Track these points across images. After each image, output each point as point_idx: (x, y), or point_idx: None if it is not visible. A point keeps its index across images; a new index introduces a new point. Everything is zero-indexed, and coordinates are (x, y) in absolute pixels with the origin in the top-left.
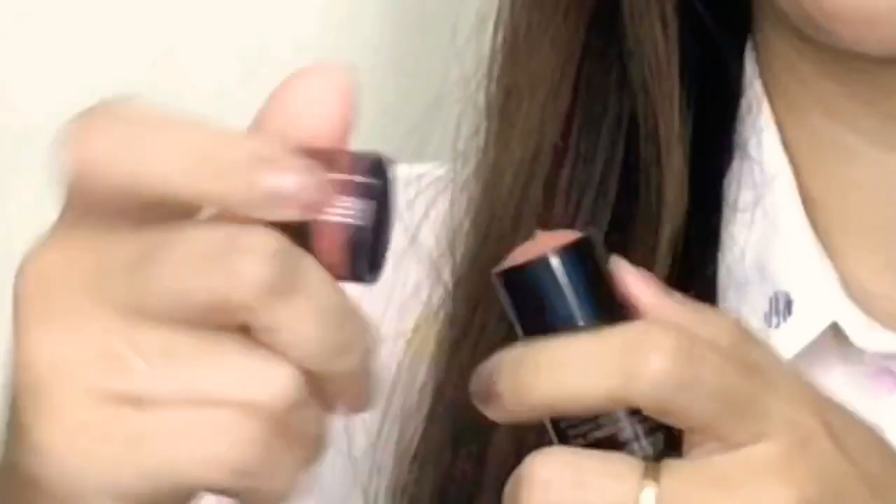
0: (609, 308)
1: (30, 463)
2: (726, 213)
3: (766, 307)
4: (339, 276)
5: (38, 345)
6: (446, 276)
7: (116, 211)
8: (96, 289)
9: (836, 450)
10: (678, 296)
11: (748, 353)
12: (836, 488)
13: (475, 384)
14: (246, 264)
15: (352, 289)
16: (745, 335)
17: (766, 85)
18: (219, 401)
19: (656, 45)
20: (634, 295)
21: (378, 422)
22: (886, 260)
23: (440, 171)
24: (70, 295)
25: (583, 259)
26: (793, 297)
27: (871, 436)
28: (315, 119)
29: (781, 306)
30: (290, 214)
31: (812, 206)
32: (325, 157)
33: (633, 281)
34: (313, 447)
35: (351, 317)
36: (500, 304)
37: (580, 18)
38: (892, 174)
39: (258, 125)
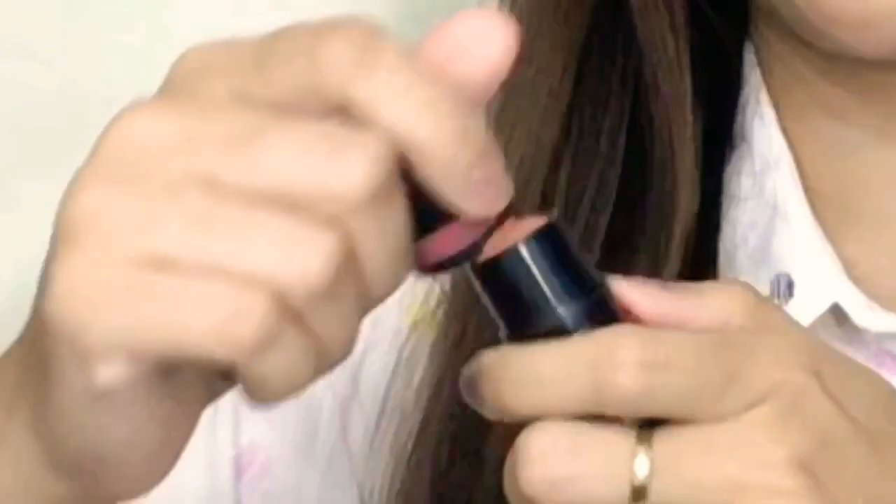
0: (583, 290)
1: (45, 310)
2: (726, 201)
3: (767, 290)
4: (426, 258)
5: (86, 193)
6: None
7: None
8: (179, 152)
9: (832, 406)
10: (678, 286)
11: (756, 319)
12: (832, 444)
13: (463, 384)
14: (356, 164)
15: None
16: (753, 302)
17: (764, 77)
18: (239, 276)
19: (666, 42)
20: (629, 303)
21: (375, 419)
22: (887, 245)
23: None
24: (146, 155)
25: (552, 245)
26: (794, 278)
27: (875, 392)
28: (474, 59)
29: (783, 288)
30: (477, 209)
31: (812, 195)
32: None
33: (625, 290)
34: (328, 349)
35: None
36: None
37: (581, 18)
38: (892, 166)
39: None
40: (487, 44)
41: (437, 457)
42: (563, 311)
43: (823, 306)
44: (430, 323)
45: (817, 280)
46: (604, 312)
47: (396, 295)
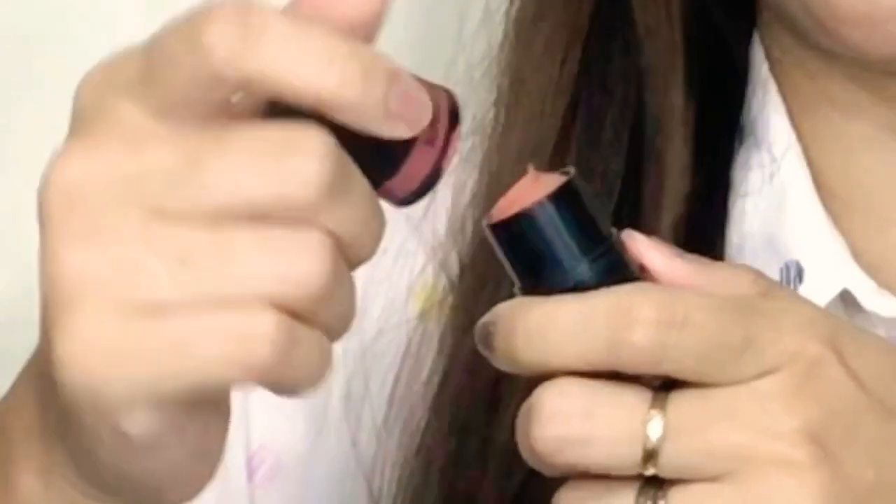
0: (600, 249)
1: (58, 377)
2: (734, 195)
3: (777, 278)
4: (397, 197)
5: (62, 258)
6: (451, 262)
7: (197, 105)
8: (125, 194)
9: (847, 378)
10: (691, 257)
11: (767, 297)
12: (845, 416)
13: (477, 333)
14: (304, 163)
15: (356, 277)
16: (764, 283)
17: (772, 67)
18: (238, 299)
19: (660, 26)
20: (646, 261)
21: (384, 411)
22: (894, 238)
23: None
24: (96, 204)
25: (570, 204)
26: (804, 265)
27: (894, 366)
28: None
29: (793, 275)
30: (404, 133)
31: (820, 188)
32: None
33: (644, 248)
34: (341, 324)
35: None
36: (506, 291)
37: (584, 7)
38: None
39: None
40: None
41: (446, 447)
42: (580, 268)
43: (833, 292)
44: (437, 314)
45: (827, 266)
46: (620, 271)
47: (404, 283)
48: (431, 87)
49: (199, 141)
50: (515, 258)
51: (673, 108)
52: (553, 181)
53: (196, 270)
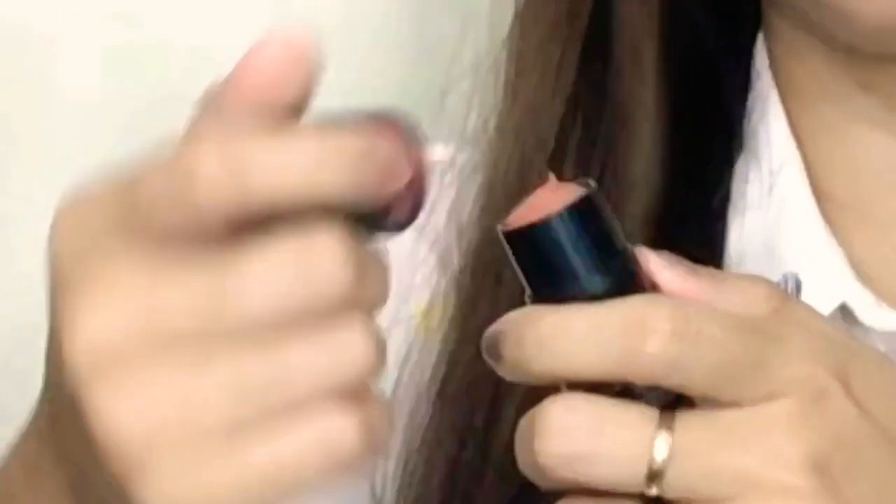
0: (613, 262)
1: None
2: (734, 202)
3: None
4: (394, 231)
5: (118, 420)
6: (455, 256)
7: (197, 233)
8: (157, 339)
9: (854, 407)
10: (705, 271)
11: (781, 314)
12: (851, 445)
13: (484, 342)
14: (326, 265)
15: None
16: (778, 298)
17: (775, 76)
18: (310, 407)
19: (634, 19)
20: (658, 280)
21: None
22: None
23: (446, 155)
24: (130, 357)
25: (589, 217)
26: (802, 278)
27: None
28: (277, 88)
29: (791, 288)
30: (392, 191)
31: (821, 195)
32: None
33: (655, 266)
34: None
35: None
36: (510, 286)
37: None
38: None
39: (226, 93)
40: (296, 67)
41: (448, 442)
42: (594, 280)
43: (832, 306)
44: (440, 311)
45: (825, 280)
46: (633, 284)
47: (409, 279)
48: (386, 125)
49: (215, 267)
50: (529, 266)
51: (639, 98)
52: (572, 191)
53: (258, 394)
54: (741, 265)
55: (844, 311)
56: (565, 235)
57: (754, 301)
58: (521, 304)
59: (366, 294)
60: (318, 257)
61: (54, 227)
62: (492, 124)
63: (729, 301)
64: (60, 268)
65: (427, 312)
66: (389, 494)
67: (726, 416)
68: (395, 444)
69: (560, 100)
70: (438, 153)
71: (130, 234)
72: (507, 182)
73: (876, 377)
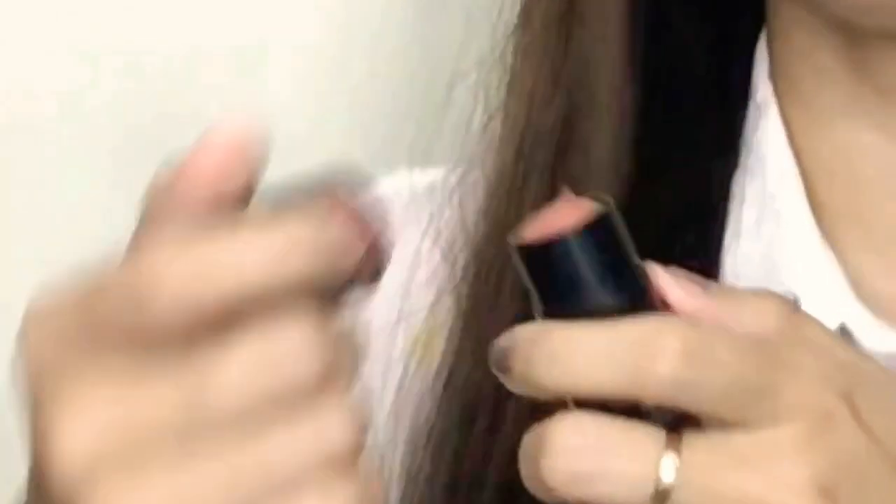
0: (628, 283)
1: None
2: (732, 215)
3: None
4: (365, 286)
5: None
6: (458, 255)
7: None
8: (140, 446)
9: (860, 431)
10: (716, 288)
11: (790, 331)
12: (857, 471)
13: (492, 355)
14: (300, 353)
15: None
16: (788, 312)
17: (777, 81)
18: (304, 486)
19: (603, 7)
20: (668, 297)
21: (392, 402)
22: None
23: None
24: (115, 467)
25: (604, 236)
26: (801, 298)
27: None
28: (223, 181)
29: None
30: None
31: (820, 210)
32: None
33: (665, 283)
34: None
35: None
36: (513, 282)
37: None
38: None
39: (174, 186)
40: (242, 159)
41: (453, 438)
42: (606, 298)
43: (830, 327)
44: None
45: (824, 300)
46: (645, 303)
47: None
48: (334, 198)
49: (187, 366)
50: (541, 282)
51: (607, 91)
52: (587, 208)
53: (247, 483)
54: (738, 282)
55: (844, 332)
56: (581, 254)
57: (764, 316)
58: (524, 307)
59: (340, 368)
60: (287, 343)
61: (21, 343)
62: (497, 121)
63: (739, 318)
64: (31, 387)
65: (435, 305)
66: (394, 493)
67: (733, 439)
68: (401, 435)
69: (559, 93)
70: (394, 184)
71: (98, 345)
72: (507, 182)
73: (882, 397)
